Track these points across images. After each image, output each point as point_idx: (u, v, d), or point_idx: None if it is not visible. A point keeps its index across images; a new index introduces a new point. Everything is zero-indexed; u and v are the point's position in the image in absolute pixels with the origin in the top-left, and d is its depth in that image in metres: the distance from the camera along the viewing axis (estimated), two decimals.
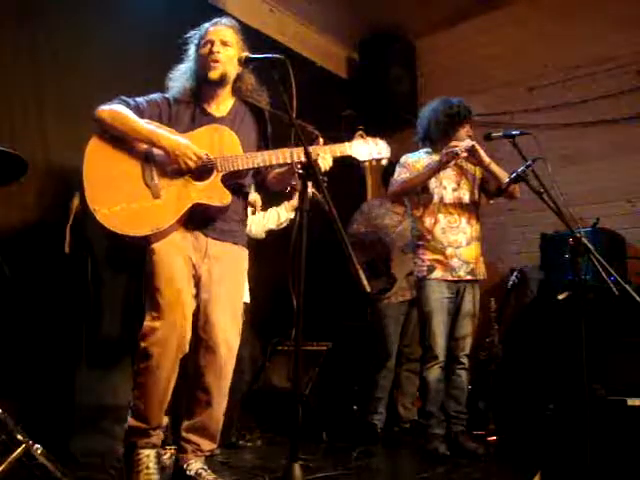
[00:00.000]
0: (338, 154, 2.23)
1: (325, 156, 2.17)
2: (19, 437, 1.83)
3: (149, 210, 2.17)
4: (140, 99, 2.31)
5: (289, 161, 2.20)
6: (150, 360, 2.15)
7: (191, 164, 2.19)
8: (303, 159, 2.05)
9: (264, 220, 3.38)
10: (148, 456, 2.18)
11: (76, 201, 2.14)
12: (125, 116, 2.20)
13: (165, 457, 2.60)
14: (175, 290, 2.19)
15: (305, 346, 3.56)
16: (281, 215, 3.38)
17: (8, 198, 2.70)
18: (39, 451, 1.84)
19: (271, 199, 3.39)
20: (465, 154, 3.03)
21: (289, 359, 3.72)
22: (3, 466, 1.75)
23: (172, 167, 2.21)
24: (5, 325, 2.65)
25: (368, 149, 2.26)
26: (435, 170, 3.08)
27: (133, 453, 2.18)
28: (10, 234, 2.79)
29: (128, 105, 2.25)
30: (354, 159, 2.26)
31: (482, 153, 3.06)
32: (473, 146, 3.04)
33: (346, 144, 2.26)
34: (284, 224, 3.40)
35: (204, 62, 2.32)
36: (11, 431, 1.84)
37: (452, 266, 3.07)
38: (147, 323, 2.19)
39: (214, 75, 2.32)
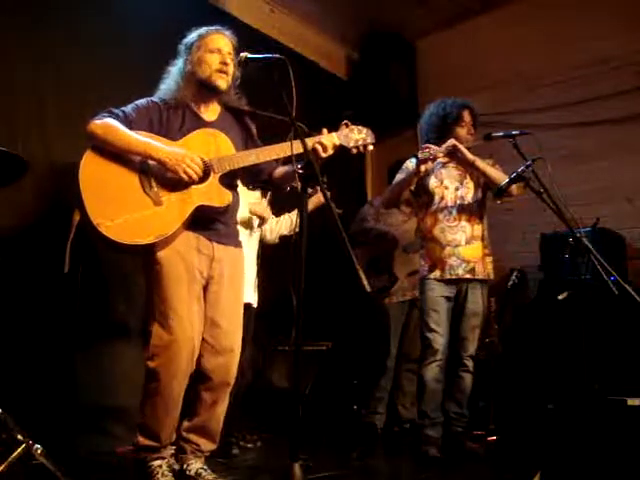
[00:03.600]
0: (326, 143, 2.26)
1: (326, 144, 2.24)
2: (19, 437, 1.83)
3: (152, 218, 2.14)
4: (129, 109, 2.26)
5: (281, 156, 2.25)
6: (160, 382, 2.14)
7: (194, 176, 2.16)
8: (296, 152, 2.08)
9: (277, 226, 3.42)
10: (160, 466, 2.19)
11: (77, 216, 2.11)
12: (118, 130, 2.14)
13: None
14: (183, 308, 2.18)
15: (305, 346, 3.55)
16: (294, 220, 3.39)
17: (8, 198, 2.70)
18: (39, 451, 1.84)
19: (284, 205, 3.42)
20: (442, 155, 3.01)
21: (289, 359, 3.72)
22: (3, 466, 1.75)
23: (171, 175, 2.18)
24: (6, 325, 2.65)
25: (354, 137, 2.33)
26: (411, 175, 3.05)
27: (144, 466, 2.19)
28: (10, 234, 2.79)
29: (118, 117, 2.20)
30: (342, 147, 2.31)
31: (465, 151, 3.04)
32: (455, 145, 3.02)
33: (333, 134, 2.30)
34: (297, 229, 3.41)
35: (210, 69, 2.31)
36: (11, 431, 1.84)
37: (450, 265, 3.06)
38: (155, 342, 2.16)
39: (223, 86, 2.33)
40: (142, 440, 2.19)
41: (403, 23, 4.92)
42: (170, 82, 2.36)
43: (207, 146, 2.27)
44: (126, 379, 3.10)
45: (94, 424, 2.93)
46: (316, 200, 3.16)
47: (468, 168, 3.15)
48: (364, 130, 2.35)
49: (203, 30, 2.38)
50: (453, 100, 3.18)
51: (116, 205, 2.11)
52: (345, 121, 2.34)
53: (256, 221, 3.24)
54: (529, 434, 3.17)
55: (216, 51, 2.33)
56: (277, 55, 2.09)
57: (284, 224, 3.43)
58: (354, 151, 2.33)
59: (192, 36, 2.38)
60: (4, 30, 2.85)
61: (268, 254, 3.40)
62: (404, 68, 5.03)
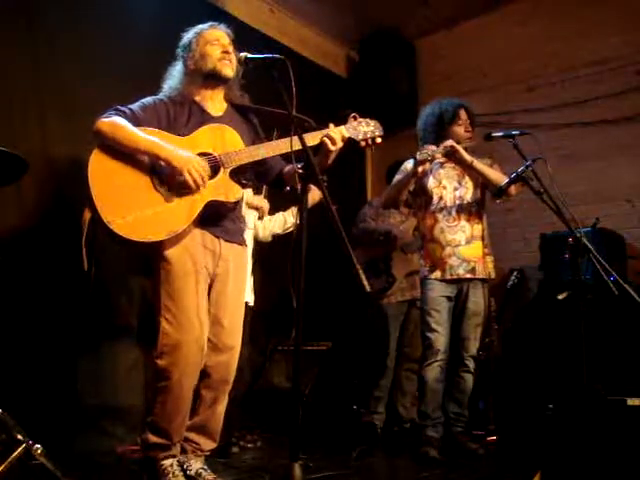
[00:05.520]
0: (334, 135, 2.26)
1: (335, 137, 2.23)
2: (19, 437, 1.83)
3: (163, 214, 2.13)
4: (136, 107, 2.25)
5: (289, 151, 2.20)
6: (171, 380, 2.14)
7: (199, 181, 2.13)
8: (299, 148, 2.05)
9: (270, 224, 3.40)
10: (172, 465, 2.19)
11: (87, 214, 2.11)
12: (126, 129, 2.13)
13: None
14: (191, 305, 2.18)
15: (305, 346, 3.56)
16: (287, 220, 3.40)
17: (8, 198, 2.70)
18: (39, 451, 1.84)
19: (278, 204, 3.42)
20: (440, 156, 3.01)
21: (289, 359, 3.72)
22: (3, 466, 1.75)
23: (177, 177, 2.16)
24: (7, 324, 2.65)
25: (362, 129, 2.32)
26: (409, 176, 3.05)
27: (154, 465, 2.19)
28: (10, 234, 2.79)
29: (125, 115, 2.19)
30: (351, 140, 2.30)
31: (462, 152, 3.03)
32: (452, 146, 3.02)
33: (342, 127, 2.30)
34: (290, 229, 3.42)
35: (213, 60, 2.32)
36: (11, 431, 1.84)
37: (451, 265, 3.06)
38: (164, 341, 2.16)
39: (229, 73, 2.34)
40: (152, 438, 2.18)
41: (403, 23, 4.92)
42: (174, 80, 2.37)
43: (214, 141, 2.26)
44: (126, 379, 3.10)
45: (94, 424, 2.92)
46: (311, 199, 3.16)
47: (466, 169, 3.15)
48: (372, 123, 2.34)
49: (197, 28, 2.40)
50: (449, 100, 3.18)
51: (127, 202, 2.11)
52: (353, 114, 2.34)
53: (251, 215, 3.21)
54: (529, 434, 3.17)
55: (215, 42, 2.34)
56: (277, 55, 2.08)
57: (277, 223, 3.41)
58: (363, 144, 2.32)
59: (188, 36, 2.40)
60: (4, 30, 2.85)
61: (267, 253, 3.40)
62: (404, 68, 5.03)
